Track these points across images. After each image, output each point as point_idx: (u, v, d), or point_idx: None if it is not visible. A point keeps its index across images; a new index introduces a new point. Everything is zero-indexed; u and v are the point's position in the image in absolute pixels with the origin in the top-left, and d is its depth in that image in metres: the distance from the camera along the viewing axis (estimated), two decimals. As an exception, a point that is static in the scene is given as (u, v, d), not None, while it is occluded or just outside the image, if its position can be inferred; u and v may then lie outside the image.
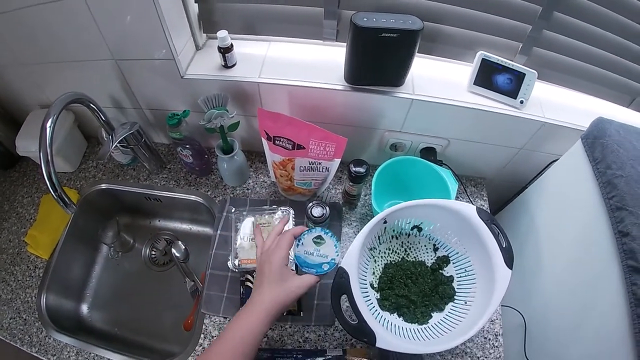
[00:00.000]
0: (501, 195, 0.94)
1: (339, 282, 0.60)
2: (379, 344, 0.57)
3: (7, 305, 0.84)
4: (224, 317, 0.76)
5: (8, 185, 0.99)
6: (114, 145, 0.78)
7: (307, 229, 0.64)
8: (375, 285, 0.72)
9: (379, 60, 0.68)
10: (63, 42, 0.74)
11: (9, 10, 0.70)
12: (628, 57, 0.73)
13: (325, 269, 0.62)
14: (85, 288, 0.94)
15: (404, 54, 0.68)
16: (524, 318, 0.77)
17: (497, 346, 0.75)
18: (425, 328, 0.68)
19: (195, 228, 1.01)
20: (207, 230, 1.00)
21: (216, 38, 0.75)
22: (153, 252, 0.99)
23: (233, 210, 0.84)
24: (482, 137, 0.80)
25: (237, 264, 0.77)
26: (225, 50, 0.73)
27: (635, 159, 0.60)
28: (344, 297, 0.59)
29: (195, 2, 0.74)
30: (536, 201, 0.81)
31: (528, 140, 0.79)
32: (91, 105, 0.76)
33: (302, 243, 0.63)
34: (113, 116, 0.88)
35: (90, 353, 0.76)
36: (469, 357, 0.74)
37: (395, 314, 0.70)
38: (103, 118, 0.79)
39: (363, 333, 0.57)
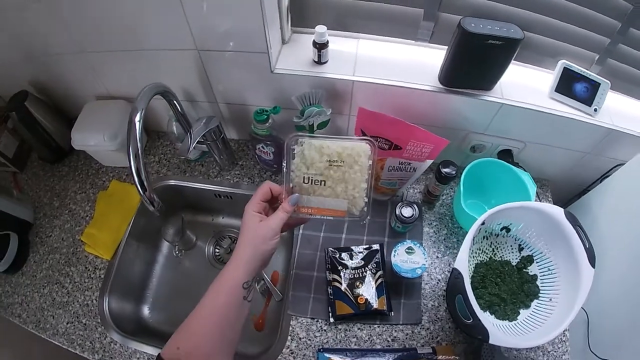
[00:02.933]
0: (562, 196, 0.95)
1: (454, 283, 0.57)
2: (492, 341, 0.56)
3: (62, 309, 0.74)
4: (312, 318, 0.71)
5: (57, 181, 0.88)
6: (195, 142, 0.70)
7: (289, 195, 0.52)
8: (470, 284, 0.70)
9: (479, 65, 0.65)
10: (139, 29, 0.65)
11: None
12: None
13: (419, 272, 0.68)
14: (146, 288, 0.85)
15: (503, 61, 0.66)
16: (586, 314, 0.78)
17: (564, 341, 0.75)
18: (515, 324, 0.67)
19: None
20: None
21: (301, 32, 0.69)
22: (217, 250, 0.91)
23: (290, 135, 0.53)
24: (554, 141, 0.79)
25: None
26: (321, 46, 0.66)
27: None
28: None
29: (289, -7, 0.67)
30: (599, 203, 0.82)
31: (595, 146, 0.79)
32: (172, 99, 0.67)
33: (397, 253, 0.70)
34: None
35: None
36: (541, 351, 0.73)
37: (487, 312, 0.68)
38: (181, 112, 0.70)
39: (478, 331, 0.56)
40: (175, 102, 0.68)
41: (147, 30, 0.66)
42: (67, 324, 0.72)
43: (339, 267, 0.73)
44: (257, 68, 0.68)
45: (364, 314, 0.69)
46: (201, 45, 0.67)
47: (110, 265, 0.77)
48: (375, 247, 0.75)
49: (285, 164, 0.52)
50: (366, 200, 0.52)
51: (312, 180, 0.52)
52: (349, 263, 0.73)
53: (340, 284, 0.71)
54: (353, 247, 0.75)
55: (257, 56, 0.66)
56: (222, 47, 0.67)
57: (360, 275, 0.72)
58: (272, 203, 0.54)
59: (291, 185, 0.52)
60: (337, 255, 0.74)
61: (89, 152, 0.84)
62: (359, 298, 0.69)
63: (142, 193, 0.57)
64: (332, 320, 0.70)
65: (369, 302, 0.69)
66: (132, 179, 0.56)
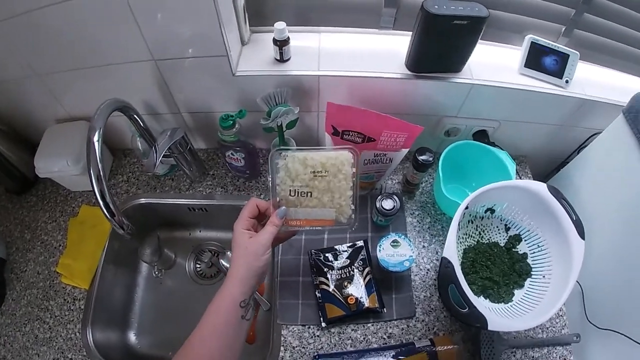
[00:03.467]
0: (540, 170, 0.94)
1: (445, 272, 0.55)
2: (490, 327, 0.54)
3: (46, 346, 0.70)
4: (303, 325, 0.68)
5: (26, 212, 0.83)
6: (161, 156, 0.67)
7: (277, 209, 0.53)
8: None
9: (446, 47, 0.64)
10: (91, 46, 0.62)
11: (20, 13, 0.56)
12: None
13: (407, 265, 0.66)
14: (129, 314, 0.81)
15: (470, 41, 0.64)
16: (580, 286, 0.77)
17: (561, 315, 0.74)
18: (511, 306, 0.66)
19: (240, 235, 0.90)
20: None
21: (261, 32, 0.66)
22: (198, 265, 0.88)
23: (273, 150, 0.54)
24: (529, 117, 0.78)
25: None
26: (282, 43, 0.64)
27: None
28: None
29: (244, -8, 0.65)
30: (580, 174, 0.81)
31: (570, 117, 0.78)
32: (132, 114, 0.64)
33: (383, 248, 0.67)
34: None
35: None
36: (540, 328, 0.72)
37: (481, 297, 0.66)
38: (143, 127, 0.67)
39: (476, 319, 0.54)
40: (136, 116, 0.65)
41: (100, 46, 0.62)
42: None
43: (325, 269, 0.70)
44: (218, 73, 0.65)
45: (356, 314, 0.67)
46: (157, 54, 0.64)
47: (89, 294, 0.73)
48: (360, 243, 0.73)
49: (270, 179, 0.53)
50: (353, 207, 0.54)
51: (298, 192, 0.53)
52: (335, 263, 0.71)
53: (328, 286, 0.69)
54: (337, 247, 0.73)
55: (216, 60, 0.64)
56: (179, 54, 0.64)
57: (348, 275, 0.70)
58: (260, 219, 0.54)
59: (278, 199, 0.53)
60: (321, 257, 0.72)
61: (54, 178, 0.80)
62: (349, 298, 0.67)
63: (109, 217, 0.54)
64: (323, 324, 0.67)
65: (360, 301, 0.67)
66: (97, 202, 0.53)
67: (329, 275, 0.70)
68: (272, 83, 0.67)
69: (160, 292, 0.85)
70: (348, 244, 0.73)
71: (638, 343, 0.65)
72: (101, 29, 0.59)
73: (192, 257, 0.89)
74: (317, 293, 0.69)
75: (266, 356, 0.67)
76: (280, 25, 0.62)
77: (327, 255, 0.72)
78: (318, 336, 0.68)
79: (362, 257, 0.71)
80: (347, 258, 0.71)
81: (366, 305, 0.67)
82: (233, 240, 0.50)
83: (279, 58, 0.66)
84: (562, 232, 0.62)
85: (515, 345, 0.69)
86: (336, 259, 0.71)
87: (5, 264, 0.78)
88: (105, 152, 0.85)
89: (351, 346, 0.67)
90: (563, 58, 0.72)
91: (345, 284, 0.69)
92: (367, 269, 0.70)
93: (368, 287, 0.68)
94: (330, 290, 0.68)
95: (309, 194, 0.53)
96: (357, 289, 0.68)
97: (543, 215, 0.65)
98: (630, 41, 0.74)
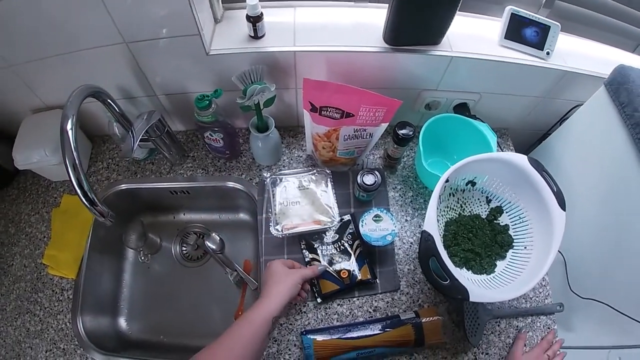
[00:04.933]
0: (522, 143, 0.94)
1: (426, 245, 0.56)
2: (472, 299, 0.54)
3: (39, 338, 0.70)
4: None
5: (9, 206, 0.82)
6: (138, 140, 0.66)
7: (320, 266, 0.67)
8: (442, 243, 0.68)
9: (424, 18, 0.63)
10: (60, 32, 0.60)
11: None
12: (633, 5, 0.74)
13: (390, 239, 0.67)
14: (118, 301, 0.82)
15: (448, 11, 0.63)
16: (563, 256, 0.78)
17: (544, 285, 0.75)
18: (493, 277, 0.67)
19: (224, 216, 0.90)
20: (239, 216, 0.90)
21: (234, 8, 0.65)
22: (184, 248, 0.88)
23: (268, 175, 0.76)
24: (510, 89, 0.78)
25: (280, 230, 0.70)
26: (255, 19, 0.62)
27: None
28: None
29: (214, -32, 0.63)
30: (562, 146, 0.81)
31: (551, 89, 0.78)
32: (106, 99, 0.63)
33: (365, 223, 0.68)
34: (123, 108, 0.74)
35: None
36: (523, 299, 0.74)
37: (464, 268, 0.67)
38: (119, 111, 0.66)
39: (457, 290, 0.54)
40: (110, 101, 0.63)
41: (70, 31, 0.60)
42: (46, 352, 0.69)
43: (315, 245, 0.71)
44: (191, 52, 0.64)
45: (350, 287, 0.68)
46: (128, 37, 0.62)
47: (77, 283, 0.73)
48: (347, 217, 0.74)
49: (266, 204, 0.75)
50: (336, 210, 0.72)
51: (289, 202, 0.72)
52: (325, 238, 0.72)
53: (320, 262, 0.70)
54: None
55: (189, 40, 0.62)
56: (150, 35, 0.62)
57: (339, 249, 0.71)
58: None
59: (276, 212, 0.71)
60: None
61: (34, 170, 0.79)
62: (341, 272, 0.68)
63: (88, 205, 0.53)
64: (319, 300, 0.68)
65: (353, 274, 0.68)
66: (75, 191, 0.52)
67: (319, 252, 0.70)
68: (247, 61, 0.66)
69: (147, 277, 0.85)
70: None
71: (619, 312, 0.66)
72: (69, 14, 0.57)
73: (177, 240, 0.89)
74: (304, 251, 0.71)
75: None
76: (252, 1, 0.60)
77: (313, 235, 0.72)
78: (304, 312, 0.69)
79: (350, 230, 0.72)
80: (335, 233, 0.72)
81: (359, 277, 0.68)
82: (270, 269, 0.61)
83: (253, 35, 0.65)
84: (543, 203, 0.63)
85: (499, 315, 0.70)
86: (325, 234, 0.72)
87: (-8, 259, 0.78)
88: (84, 139, 0.83)
89: (337, 321, 0.68)
90: (544, 30, 0.71)
91: (337, 258, 0.70)
92: (356, 242, 0.71)
93: (359, 260, 0.69)
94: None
95: (298, 202, 0.72)
96: (348, 263, 0.69)
97: (524, 187, 0.66)
98: (611, 13, 0.73)
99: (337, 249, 0.71)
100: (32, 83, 0.72)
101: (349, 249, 0.71)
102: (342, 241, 0.71)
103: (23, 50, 0.64)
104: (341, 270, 0.68)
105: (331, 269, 0.69)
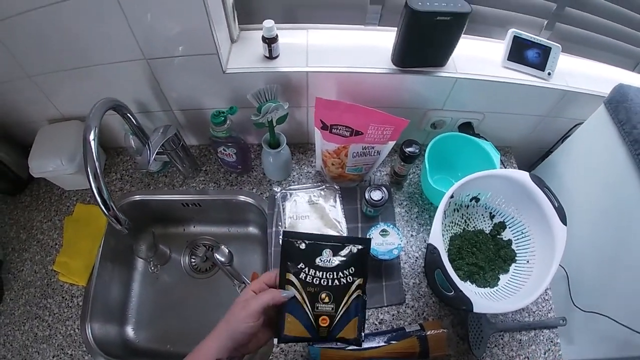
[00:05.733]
0: (526, 160, 0.97)
1: (431, 258, 0.58)
2: (476, 309, 0.56)
3: (46, 343, 0.71)
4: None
5: (21, 212, 0.84)
6: (154, 153, 0.68)
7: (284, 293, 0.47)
8: (447, 257, 0.71)
9: (430, 42, 0.66)
10: (83, 45, 0.63)
11: (12, 15, 0.57)
12: (633, 26, 0.77)
13: (396, 253, 0.68)
14: (126, 309, 0.83)
15: (453, 36, 0.66)
16: (565, 271, 0.80)
17: (547, 299, 0.77)
18: (497, 290, 0.68)
19: (234, 229, 0.92)
20: (248, 230, 0.92)
21: (250, 29, 0.68)
22: (193, 260, 0.90)
23: (278, 190, 0.79)
24: (513, 109, 0.81)
25: None
26: (271, 41, 0.66)
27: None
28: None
29: (232, -10, 0.66)
30: (564, 163, 0.84)
31: (553, 108, 0.81)
32: (126, 112, 0.65)
33: (372, 237, 0.68)
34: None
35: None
36: (527, 312, 0.75)
37: (468, 282, 0.69)
38: (137, 125, 0.69)
39: (461, 301, 0.56)
40: (129, 115, 0.66)
41: (92, 46, 0.63)
42: (53, 357, 0.70)
43: (299, 262, 0.49)
44: (209, 70, 0.67)
45: (323, 340, 0.48)
46: (149, 53, 0.65)
47: (87, 291, 0.75)
48: (362, 247, 0.50)
49: (276, 218, 0.77)
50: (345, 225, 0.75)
51: (299, 216, 0.75)
52: (331, 259, 0.49)
53: (294, 283, 0.48)
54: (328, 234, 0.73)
55: (206, 58, 0.65)
56: (170, 53, 0.65)
57: (334, 282, 0.48)
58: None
59: (286, 226, 0.74)
60: (299, 244, 0.50)
61: (48, 178, 0.81)
62: (321, 319, 0.47)
63: (106, 213, 0.56)
64: (275, 341, 0.47)
65: (335, 326, 0.47)
66: (95, 200, 0.54)
67: (302, 274, 0.48)
68: (262, 80, 0.69)
69: (156, 287, 0.87)
70: (343, 236, 0.72)
71: (621, 324, 0.68)
72: (92, 30, 0.60)
73: (186, 252, 0.90)
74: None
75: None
76: (268, 23, 0.64)
77: (308, 242, 0.50)
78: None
79: (357, 263, 0.49)
80: (344, 256, 0.49)
81: (340, 334, 0.47)
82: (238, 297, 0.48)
83: (268, 55, 0.68)
84: (545, 218, 0.65)
85: (502, 328, 0.71)
86: (320, 253, 0.49)
87: (2, 265, 0.80)
88: (99, 150, 0.86)
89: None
90: (545, 51, 0.75)
91: (324, 296, 0.47)
92: (357, 282, 0.48)
93: (352, 308, 0.48)
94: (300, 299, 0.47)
95: (307, 217, 0.75)
96: (336, 307, 0.47)
97: (526, 203, 0.68)
98: (611, 33, 0.77)
99: (332, 280, 0.48)
100: (51, 94, 0.75)
101: (345, 287, 0.48)
102: (345, 272, 0.49)
103: (43, 61, 0.66)
104: (321, 316, 0.47)
105: (308, 306, 0.47)
